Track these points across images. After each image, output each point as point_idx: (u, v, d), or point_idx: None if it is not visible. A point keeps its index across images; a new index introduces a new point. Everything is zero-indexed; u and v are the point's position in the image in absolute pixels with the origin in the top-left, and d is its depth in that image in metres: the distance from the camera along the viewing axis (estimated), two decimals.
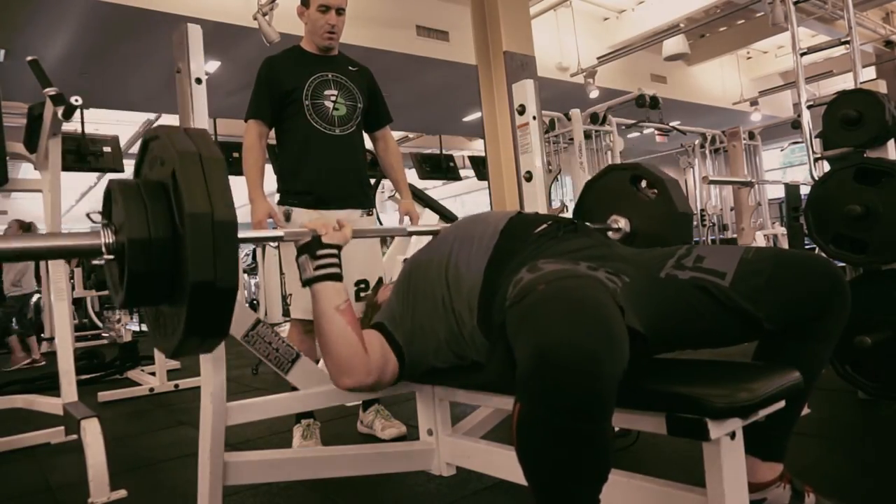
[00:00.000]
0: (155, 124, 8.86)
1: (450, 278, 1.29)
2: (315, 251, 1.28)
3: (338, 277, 1.28)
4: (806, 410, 2.03)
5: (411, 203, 2.36)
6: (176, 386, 3.64)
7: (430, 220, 2.82)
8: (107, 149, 4.99)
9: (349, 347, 1.24)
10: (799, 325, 1.14)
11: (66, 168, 2.54)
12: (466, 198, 17.39)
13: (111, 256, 0.97)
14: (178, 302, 0.95)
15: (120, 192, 0.96)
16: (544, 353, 0.81)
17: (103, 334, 6.60)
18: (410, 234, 1.68)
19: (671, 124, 6.29)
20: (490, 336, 1.20)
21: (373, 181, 2.63)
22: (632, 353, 0.86)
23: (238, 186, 2.26)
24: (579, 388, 0.80)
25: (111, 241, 0.97)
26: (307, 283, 1.28)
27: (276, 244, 3.05)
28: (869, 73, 8.43)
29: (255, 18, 4.80)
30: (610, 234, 1.79)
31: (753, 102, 10.65)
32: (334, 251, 1.30)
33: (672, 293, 1.14)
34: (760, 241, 5.16)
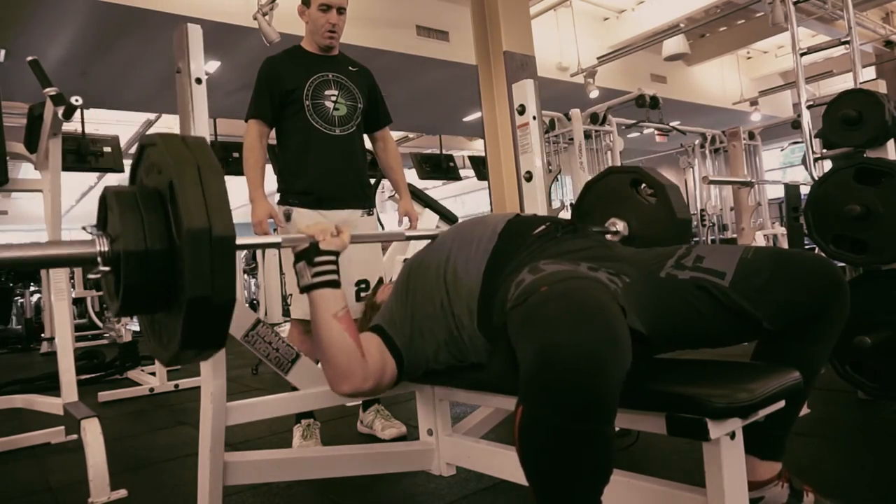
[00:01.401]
0: (155, 124, 8.86)
1: (448, 281, 1.29)
2: (313, 258, 1.26)
3: (336, 284, 1.26)
4: (806, 410, 2.03)
5: (410, 204, 2.36)
6: (176, 386, 3.64)
7: (429, 220, 2.83)
8: (107, 149, 5.01)
9: (347, 354, 1.22)
10: (798, 325, 1.14)
11: (66, 168, 2.54)
12: (466, 198, 17.38)
13: (107, 268, 0.95)
14: (174, 312, 0.93)
15: (116, 201, 0.93)
16: (548, 355, 0.81)
17: (103, 334, 6.59)
18: (408, 238, 1.67)
19: (671, 124, 6.29)
20: (490, 338, 1.20)
21: (373, 181, 2.64)
22: (633, 355, 0.86)
23: (238, 186, 2.28)
24: (582, 390, 0.80)
25: (106, 250, 0.95)
26: (305, 289, 1.26)
27: None
28: (869, 73, 8.43)
29: (255, 18, 4.80)
30: (608, 237, 1.76)
31: (753, 102, 10.65)
32: (332, 258, 1.27)
33: (672, 293, 1.14)
34: (760, 241, 5.16)
